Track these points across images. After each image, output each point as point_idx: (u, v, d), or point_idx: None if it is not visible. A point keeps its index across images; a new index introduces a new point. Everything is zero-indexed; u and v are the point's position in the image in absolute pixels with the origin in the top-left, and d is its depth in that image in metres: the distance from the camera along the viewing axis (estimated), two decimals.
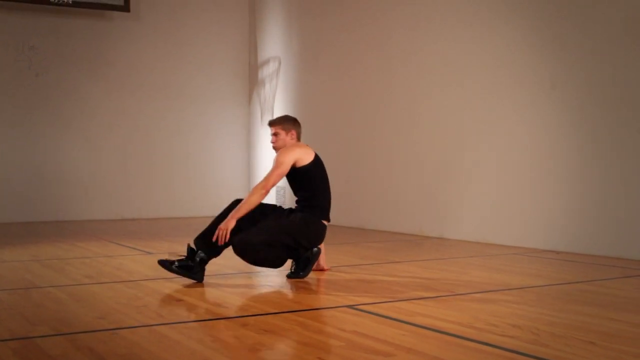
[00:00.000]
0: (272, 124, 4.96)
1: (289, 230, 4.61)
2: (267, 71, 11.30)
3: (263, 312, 3.60)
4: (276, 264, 4.66)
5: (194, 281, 4.51)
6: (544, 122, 6.62)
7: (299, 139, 4.96)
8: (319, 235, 4.76)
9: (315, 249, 4.73)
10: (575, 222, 6.31)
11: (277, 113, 10.62)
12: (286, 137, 4.87)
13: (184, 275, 4.50)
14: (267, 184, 4.61)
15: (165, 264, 4.51)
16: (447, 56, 7.74)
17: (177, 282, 4.53)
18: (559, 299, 4.05)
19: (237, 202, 4.68)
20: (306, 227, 4.66)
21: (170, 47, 11.35)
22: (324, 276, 4.73)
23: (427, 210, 8.02)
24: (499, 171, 7.09)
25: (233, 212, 4.57)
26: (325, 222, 4.82)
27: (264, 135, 11.22)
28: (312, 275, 4.83)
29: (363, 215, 9.03)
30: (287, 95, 10.59)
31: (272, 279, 4.79)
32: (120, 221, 10.54)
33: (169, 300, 3.96)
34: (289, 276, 4.71)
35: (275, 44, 11.12)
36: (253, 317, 3.49)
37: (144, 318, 3.48)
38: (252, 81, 11.85)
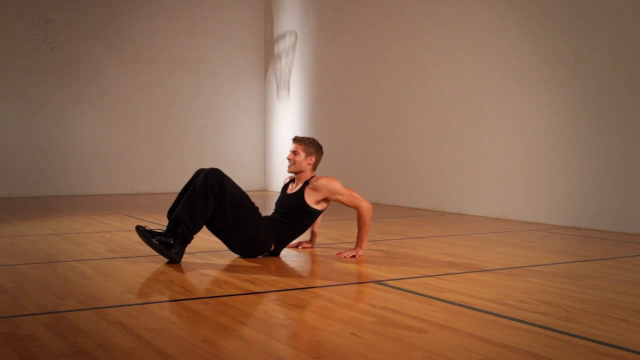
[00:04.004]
0: (297, 140, 4.70)
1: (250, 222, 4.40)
2: (283, 45, 11.20)
3: (291, 287, 3.58)
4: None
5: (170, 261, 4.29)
6: (566, 98, 6.54)
7: (315, 167, 4.72)
8: (258, 244, 4.48)
9: (177, 255, 4.25)
10: (597, 199, 6.26)
11: (294, 88, 10.55)
12: (304, 161, 4.63)
13: (161, 254, 4.22)
14: (362, 198, 4.60)
15: (145, 234, 4.20)
16: (467, 31, 7.65)
17: (200, 257, 4.53)
18: (588, 276, 4.00)
19: (200, 171, 4.37)
20: (256, 229, 4.42)
21: (185, 21, 11.28)
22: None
23: (445, 185, 7.98)
24: (518, 147, 7.02)
25: (362, 242, 4.61)
26: (267, 248, 4.55)
27: (280, 110, 11.16)
28: (333, 251, 4.81)
29: (381, 190, 9.00)
30: (304, 70, 10.49)
31: (297, 255, 4.77)
32: (136, 195, 10.55)
33: (195, 275, 3.94)
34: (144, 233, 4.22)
35: (291, 18, 11.01)
36: (282, 292, 3.47)
37: (171, 293, 3.47)
38: (267, 55, 11.76)
